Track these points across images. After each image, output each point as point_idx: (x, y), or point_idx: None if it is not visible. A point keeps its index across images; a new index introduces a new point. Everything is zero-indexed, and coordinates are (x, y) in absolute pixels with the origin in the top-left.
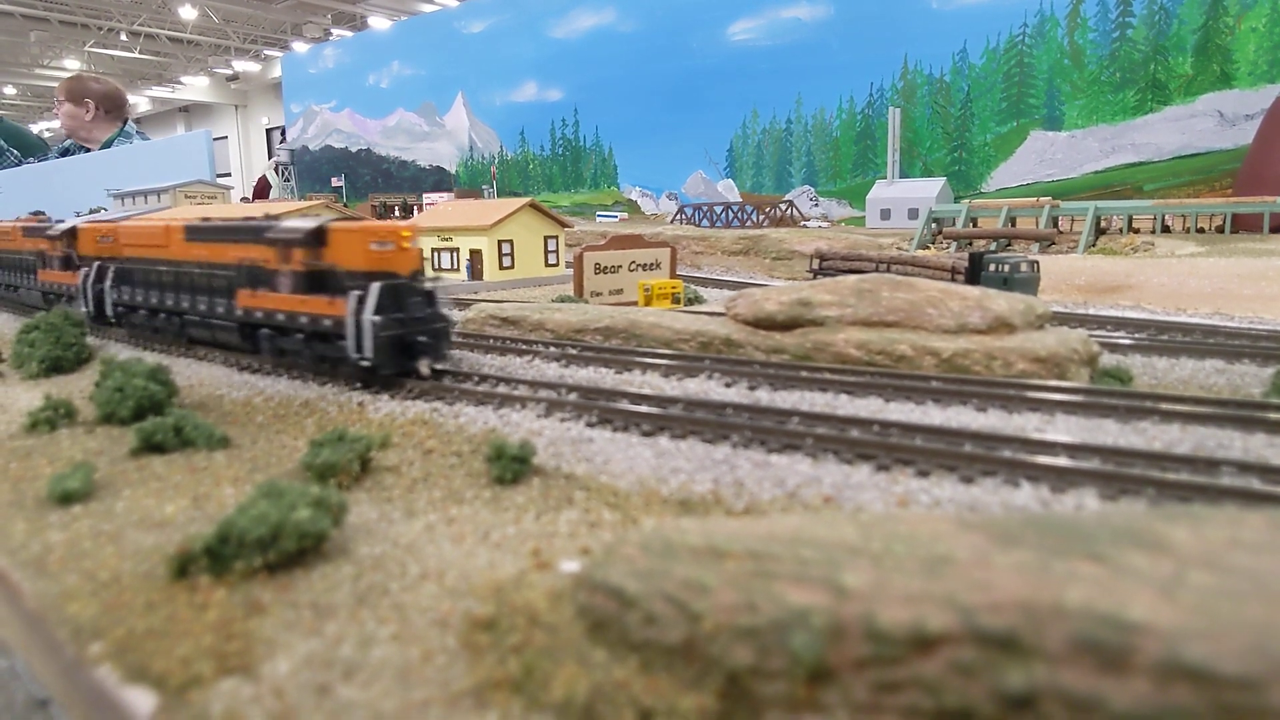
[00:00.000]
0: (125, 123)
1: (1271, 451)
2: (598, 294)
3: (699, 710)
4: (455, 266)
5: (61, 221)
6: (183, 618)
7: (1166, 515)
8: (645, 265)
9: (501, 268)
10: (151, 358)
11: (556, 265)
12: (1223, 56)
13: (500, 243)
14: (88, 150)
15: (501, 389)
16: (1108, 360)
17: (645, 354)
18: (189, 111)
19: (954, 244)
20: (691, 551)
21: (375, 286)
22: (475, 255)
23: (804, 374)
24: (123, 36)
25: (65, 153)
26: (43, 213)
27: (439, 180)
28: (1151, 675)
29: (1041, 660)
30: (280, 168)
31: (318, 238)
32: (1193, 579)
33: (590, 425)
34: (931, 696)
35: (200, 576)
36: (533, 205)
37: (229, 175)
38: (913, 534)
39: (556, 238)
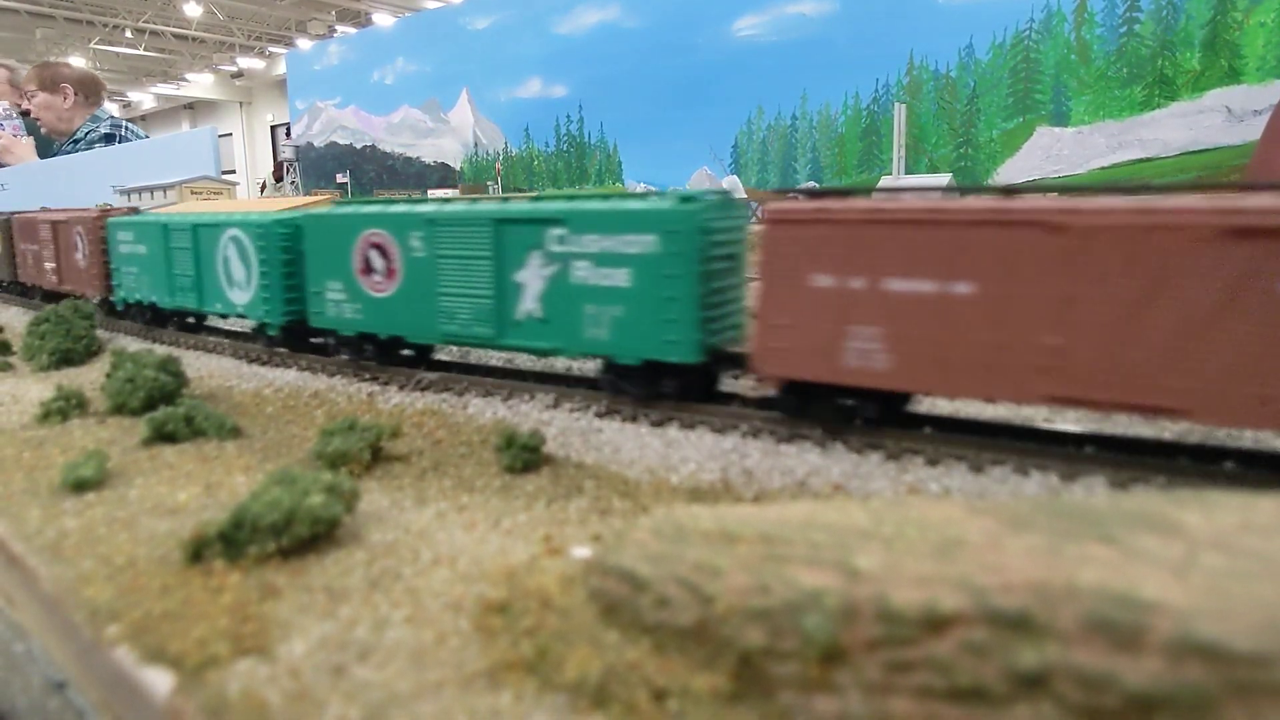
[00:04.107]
0: (101, 109)
1: None
2: None
3: (712, 690)
4: None
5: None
6: (198, 600)
7: (1177, 500)
8: None
9: None
10: (162, 349)
11: None
12: (1231, 52)
13: None
14: (60, 143)
15: None
16: None
17: None
18: (194, 109)
19: None
20: (703, 535)
21: None
22: None
23: None
24: (128, 33)
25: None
26: (49, 208)
27: (444, 177)
28: (1164, 653)
29: (1054, 639)
30: (286, 164)
31: None
32: (1204, 560)
33: (599, 415)
34: (944, 676)
35: (215, 561)
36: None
37: (233, 172)
38: (924, 518)
39: None
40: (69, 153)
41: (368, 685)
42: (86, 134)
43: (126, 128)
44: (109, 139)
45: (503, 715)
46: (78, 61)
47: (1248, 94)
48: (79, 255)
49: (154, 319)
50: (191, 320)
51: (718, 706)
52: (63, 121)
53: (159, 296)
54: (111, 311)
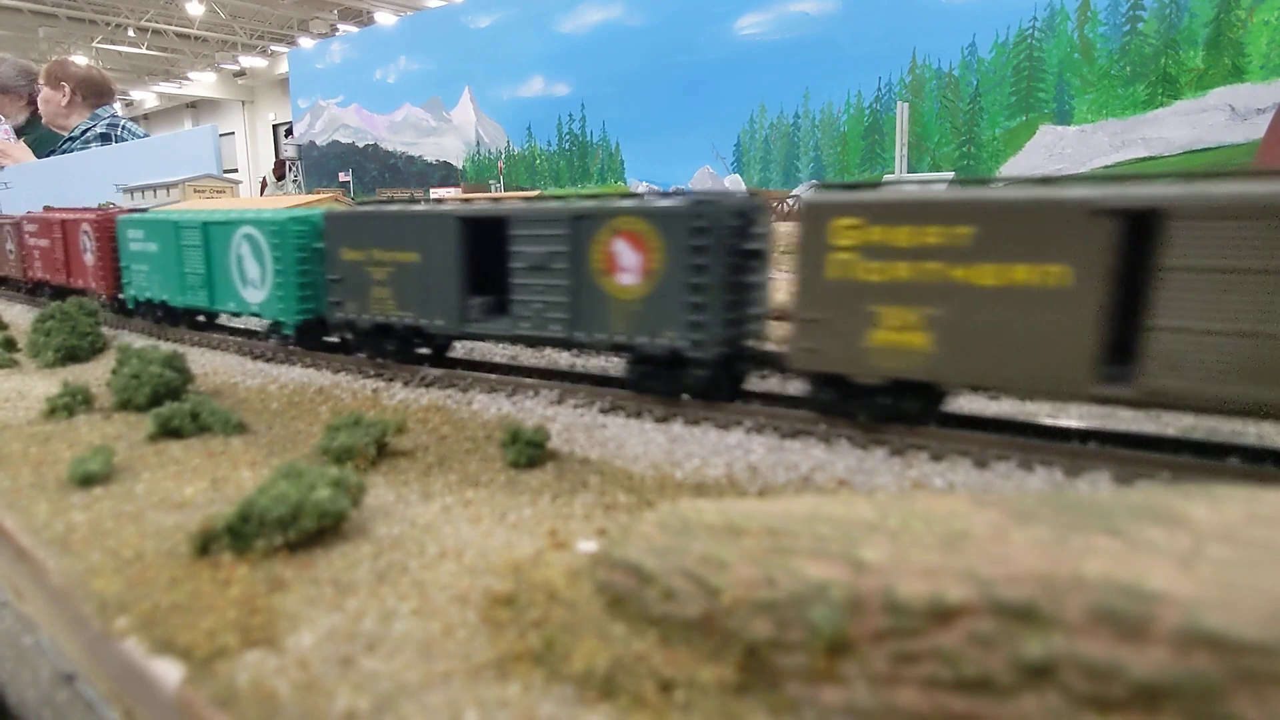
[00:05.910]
0: (107, 111)
1: None
2: None
3: (718, 681)
4: None
5: None
6: (206, 593)
7: (1183, 493)
8: None
9: None
10: (167, 346)
11: None
12: (1234, 50)
13: None
14: (59, 136)
15: None
16: None
17: None
18: (196, 107)
19: None
20: (709, 529)
21: None
22: None
23: None
24: (130, 32)
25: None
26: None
27: (446, 175)
28: (1171, 643)
29: (1060, 630)
30: (288, 163)
31: None
32: (1211, 551)
33: (603, 411)
34: (950, 667)
35: (222, 554)
36: (541, 198)
37: (235, 170)
38: (929, 512)
39: None
40: (66, 151)
41: (376, 676)
42: (83, 132)
43: (123, 126)
44: (104, 138)
45: (511, 705)
46: (80, 60)
47: (1251, 92)
48: None
49: None
50: None
51: (724, 698)
52: (59, 117)
53: None
54: None
